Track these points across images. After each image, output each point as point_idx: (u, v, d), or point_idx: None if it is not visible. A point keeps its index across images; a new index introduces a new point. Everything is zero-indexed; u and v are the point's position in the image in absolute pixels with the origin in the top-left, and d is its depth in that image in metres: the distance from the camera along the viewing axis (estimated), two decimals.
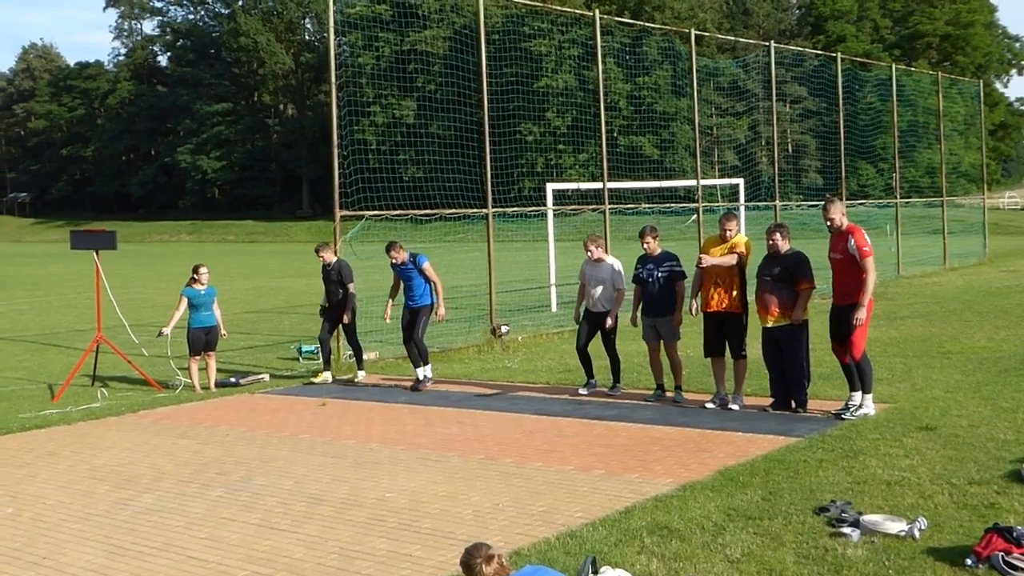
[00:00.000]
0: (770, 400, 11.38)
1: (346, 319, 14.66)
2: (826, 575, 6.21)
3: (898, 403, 11.18)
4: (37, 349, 20.22)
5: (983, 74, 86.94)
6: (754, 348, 11.74)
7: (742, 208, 26.44)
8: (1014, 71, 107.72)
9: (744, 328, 11.67)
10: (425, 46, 67.15)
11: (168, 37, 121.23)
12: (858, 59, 44.12)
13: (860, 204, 36.26)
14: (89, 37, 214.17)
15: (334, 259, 14.89)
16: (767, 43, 27.68)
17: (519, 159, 55.70)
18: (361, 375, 14.77)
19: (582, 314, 13.05)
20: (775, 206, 25.96)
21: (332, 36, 16.34)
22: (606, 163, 21.31)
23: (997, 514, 7.12)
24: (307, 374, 15.45)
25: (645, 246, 12.20)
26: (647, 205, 26.86)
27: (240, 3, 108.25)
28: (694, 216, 23.81)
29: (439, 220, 20.71)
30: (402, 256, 13.87)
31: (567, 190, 27.23)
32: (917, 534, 6.72)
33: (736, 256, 11.44)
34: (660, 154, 61.48)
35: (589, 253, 12.69)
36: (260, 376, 15.37)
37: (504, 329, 17.77)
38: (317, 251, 15.05)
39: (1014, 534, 6.28)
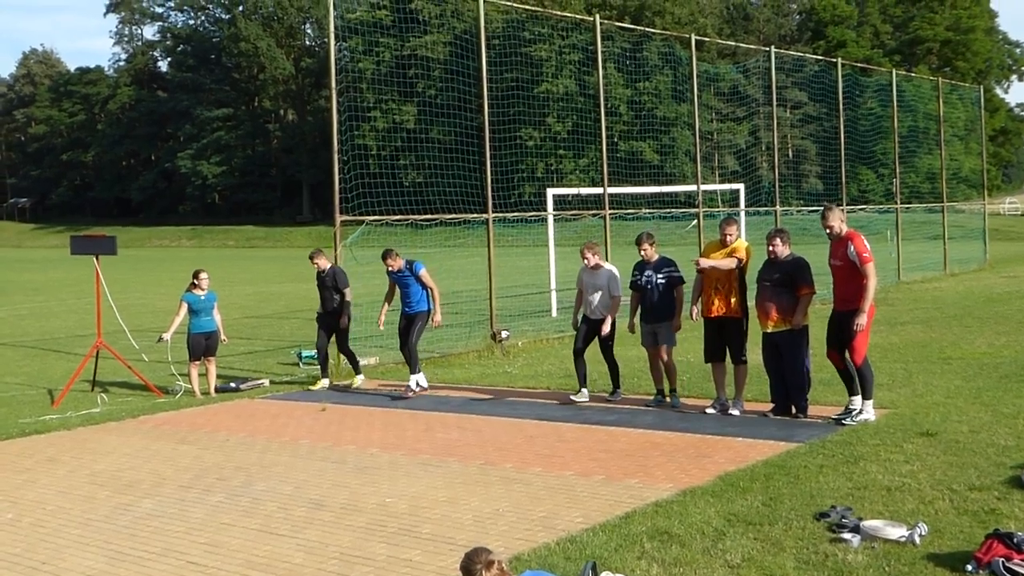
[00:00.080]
0: (770, 405, 11.38)
1: (343, 324, 14.67)
2: None
3: (899, 408, 11.17)
4: (37, 354, 20.22)
5: (983, 79, 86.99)
6: (755, 353, 11.73)
7: (742, 213, 26.45)
8: (1014, 77, 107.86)
9: (744, 333, 11.67)
10: (425, 51, 67.19)
11: (168, 42, 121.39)
12: (858, 64, 44.22)
13: (861, 209, 36.29)
14: (90, 43, 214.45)
15: (328, 266, 14.88)
16: (767, 48, 27.70)
17: (519, 164, 55.70)
18: (359, 379, 14.76)
19: (580, 320, 13.02)
20: (775, 211, 25.96)
21: (332, 41, 16.34)
22: (606, 168, 21.33)
23: (997, 520, 7.11)
24: (307, 379, 15.44)
25: (642, 253, 12.20)
26: (647, 210, 26.86)
27: (240, 8, 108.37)
28: (694, 221, 23.81)
29: (439, 225, 20.73)
30: (398, 263, 13.84)
31: (567, 195, 27.25)
32: (917, 540, 6.71)
33: (735, 260, 11.44)
34: (660, 159, 61.46)
35: (586, 260, 12.68)
36: (260, 381, 15.37)
37: (504, 334, 17.77)
38: (311, 258, 15.03)
39: (1015, 540, 6.27)
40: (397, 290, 14.21)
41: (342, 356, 15.15)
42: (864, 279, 10.47)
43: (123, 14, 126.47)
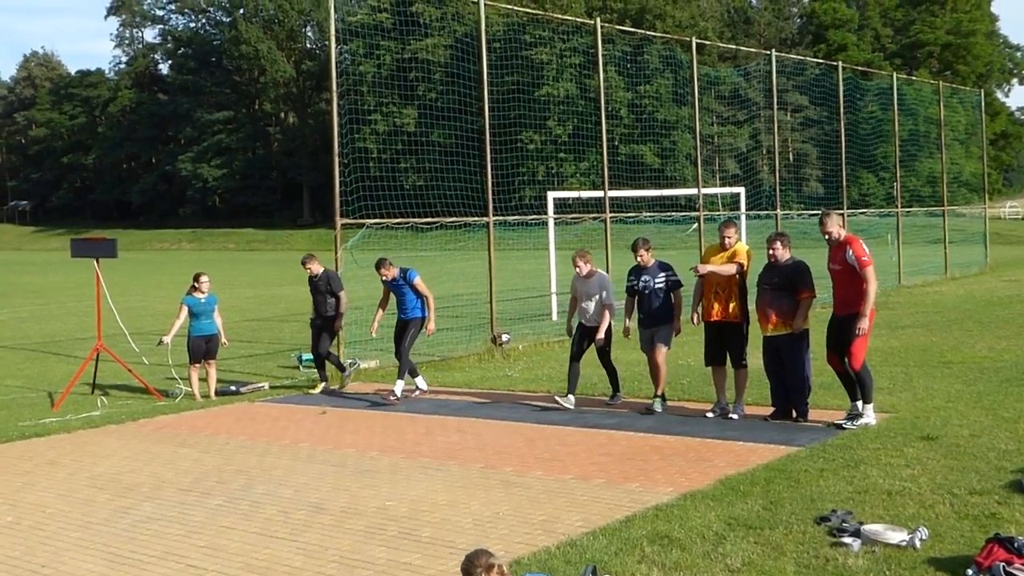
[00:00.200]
0: (771, 409, 11.37)
1: (338, 326, 14.67)
2: None
3: (899, 413, 11.16)
4: (37, 357, 20.22)
5: (984, 83, 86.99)
6: (755, 357, 11.73)
7: (743, 217, 26.46)
8: (1015, 80, 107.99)
9: (745, 337, 11.66)
10: (426, 54, 67.26)
11: (169, 45, 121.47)
12: (859, 68, 44.24)
13: (861, 213, 36.27)
14: (90, 45, 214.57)
15: (321, 270, 14.85)
16: (768, 52, 27.71)
17: (520, 167, 55.72)
18: (345, 377, 14.71)
19: (575, 327, 12.95)
20: (776, 215, 25.97)
21: (333, 44, 16.35)
22: (607, 171, 21.34)
23: (998, 524, 7.11)
24: (307, 383, 15.44)
25: (639, 258, 12.18)
26: (648, 214, 26.90)
27: (241, 11, 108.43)
28: (695, 225, 23.81)
29: (440, 228, 20.72)
30: (392, 272, 13.78)
31: (568, 198, 27.27)
32: (918, 544, 6.71)
33: (735, 266, 11.43)
34: (661, 163, 61.47)
35: (578, 269, 12.60)
36: (260, 384, 15.37)
37: (505, 338, 17.77)
38: (304, 263, 15.00)
39: (1015, 544, 6.26)
40: (392, 297, 14.16)
41: (344, 358, 15.13)
42: (864, 283, 10.47)
43: (124, 17, 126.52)
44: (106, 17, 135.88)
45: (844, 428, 10.48)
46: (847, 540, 6.83)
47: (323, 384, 14.80)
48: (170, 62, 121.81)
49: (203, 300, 14.62)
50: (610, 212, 20.90)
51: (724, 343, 11.65)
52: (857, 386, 10.76)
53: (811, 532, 7.13)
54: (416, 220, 19.51)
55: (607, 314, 12.41)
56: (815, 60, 43.51)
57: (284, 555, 7.23)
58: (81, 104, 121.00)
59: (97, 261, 15.04)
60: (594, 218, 22.55)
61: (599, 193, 21.76)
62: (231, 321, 21.61)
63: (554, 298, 23.45)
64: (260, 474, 9.73)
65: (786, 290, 10.95)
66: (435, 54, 66.76)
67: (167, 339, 14.56)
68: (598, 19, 23.14)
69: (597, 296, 12.45)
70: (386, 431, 11.66)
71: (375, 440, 11.17)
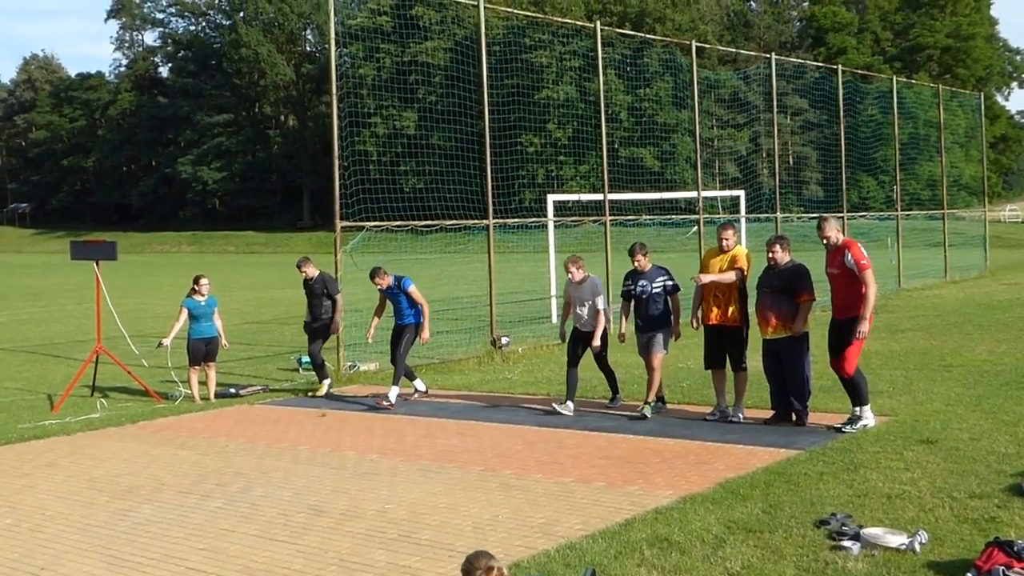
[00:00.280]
0: (770, 413, 11.37)
1: (335, 328, 14.65)
2: None
3: (899, 416, 11.16)
4: (37, 359, 20.21)
5: (984, 87, 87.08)
6: (755, 360, 11.72)
7: (743, 220, 26.47)
8: (1015, 84, 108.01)
9: (744, 341, 11.66)
10: (426, 57, 67.34)
11: (169, 48, 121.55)
12: (859, 71, 44.19)
13: (861, 216, 36.30)
14: (90, 48, 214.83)
15: (316, 273, 14.85)
16: (768, 55, 27.72)
17: (520, 170, 55.76)
18: (326, 384, 14.61)
19: (570, 333, 12.92)
20: (776, 218, 25.98)
21: (333, 47, 16.36)
22: (607, 174, 21.35)
23: (998, 528, 7.10)
24: (307, 385, 15.43)
25: (636, 263, 12.16)
26: (648, 217, 26.89)
27: (241, 14, 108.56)
28: (695, 228, 23.82)
29: (440, 231, 20.71)
30: (387, 281, 13.74)
31: (568, 201, 27.25)
32: (918, 548, 6.70)
33: (736, 272, 11.41)
34: (661, 166, 61.52)
35: (570, 275, 12.60)
36: (259, 387, 15.36)
37: (504, 340, 17.76)
38: (299, 266, 14.99)
39: (1015, 548, 6.26)
40: (388, 304, 14.13)
41: (344, 360, 15.12)
42: (863, 287, 10.48)
43: (124, 20, 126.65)
44: (106, 20, 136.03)
45: (843, 432, 10.48)
46: (847, 544, 6.83)
47: (326, 382, 14.78)
48: (170, 65, 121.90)
49: (203, 303, 14.62)
50: (610, 215, 20.91)
51: (724, 346, 11.65)
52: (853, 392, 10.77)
53: (811, 536, 7.13)
54: (416, 223, 19.51)
55: (601, 319, 12.38)
56: (815, 63, 43.57)
57: (284, 557, 7.23)
58: (81, 107, 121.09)
59: (97, 264, 15.04)
60: (594, 221, 22.56)
61: (599, 196, 21.77)
62: (231, 324, 21.60)
63: (554, 301, 23.45)
64: (259, 476, 9.72)
65: (786, 293, 10.95)
66: (435, 57, 66.84)
67: (166, 341, 14.56)
68: (598, 22, 23.15)
69: (590, 301, 12.44)
70: (386, 434, 11.65)
71: (375, 443, 11.16)
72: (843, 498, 8.06)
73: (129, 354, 16.75)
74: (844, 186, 29.27)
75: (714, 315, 11.58)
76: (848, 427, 10.57)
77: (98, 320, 15.26)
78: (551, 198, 24.02)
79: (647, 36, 38.35)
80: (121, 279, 43.64)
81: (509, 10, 26.03)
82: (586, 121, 51.89)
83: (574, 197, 28.33)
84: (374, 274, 13.73)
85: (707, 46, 53.42)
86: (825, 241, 10.85)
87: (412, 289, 13.69)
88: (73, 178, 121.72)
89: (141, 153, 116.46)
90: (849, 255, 10.55)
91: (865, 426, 10.57)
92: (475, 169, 22.56)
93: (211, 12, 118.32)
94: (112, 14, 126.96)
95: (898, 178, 33.43)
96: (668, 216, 28.10)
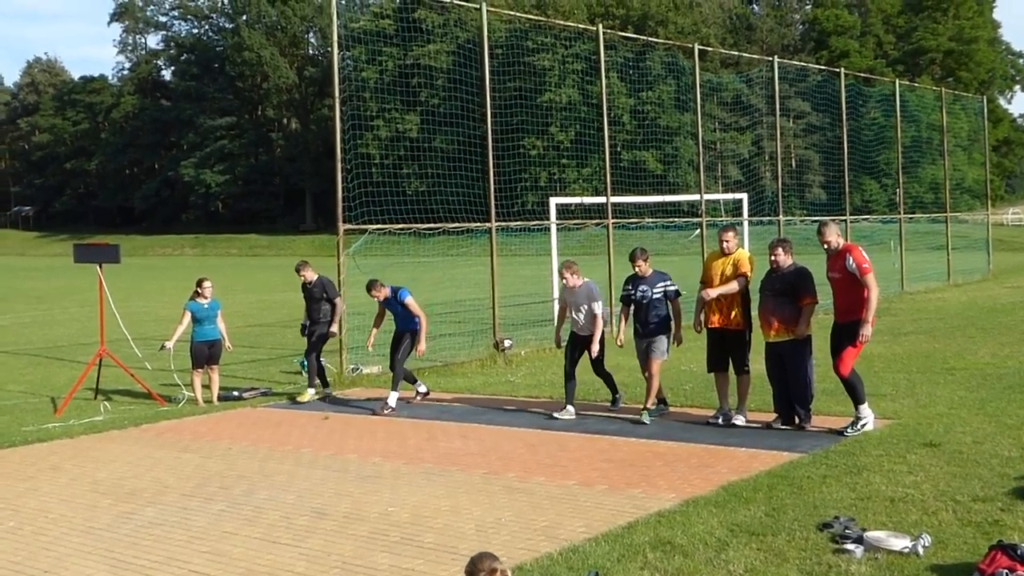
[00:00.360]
0: (773, 416, 11.37)
1: (333, 330, 14.64)
2: None
3: (902, 419, 11.15)
4: (40, 363, 20.23)
5: (986, 90, 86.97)
6: (758, 363, 11.72)
7: (745, 223, 26.44)
8: (1017, 87, 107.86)
9: (747, 344, 11.65)
10: (429, 60, 67.35)
11: (172, 51, 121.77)
12: (861, 74, 44.20)
13: (864, 220, 36.28)
14: (93, 51, 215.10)
15: (315, 277, 14.83)
16: (770, 58, 27.71)
17: (522, 173, 55.73)
18: (310, 392, 14.51)
19: (566, 337, 12.88)
20: (778, 221, 25.97)
21: (336, 50, 16.38)
22: (609, 177, 21.35)
23: (1001, 531, 7.10)
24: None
25: (637, 268, 12.14)
26: (650, 220, 26.90)
27: (244, 18, 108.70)
28: (697, 231, 23.81)
29: (442, 234, 20.72)
30: (384, 293, 13.69)
31: (570, 204, 27.24)
32: (921, 551, 6.70)
33: (740, 280, 11.39)
34: (663, 169, 61.57)
35: (565, 281, 12.58)
36: (262, 390, 15.36)
37: (507, 343, 17.76)
38: (297, 270, 14.98)
39: (1018, 551, 6.25)
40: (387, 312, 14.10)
41: (347, 363, 15.11)
42: (864, 290, 10.48)
43: (127, 23, 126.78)
44: (109, 23, 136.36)
45: (846, 435, 10.47)
46: (850, 547, 6.83)
47: (326, 389, 14.78)
48: (173, 68, 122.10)
49: (206, 305, 14.62)
50: (612, 218, 20.91)
51: (726, 350, 11.64)
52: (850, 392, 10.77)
53: (814, 539, 7.13)
54: (419, 226, 19.52)
55: (599, 324, 12.35)
56: (817, 67, 43.56)
57: (286, 561, 7.23)
58: (84, 110, 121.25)
59: (100, 266, 15.05)
60: (596, 224, 22.56)
61: (601, 199, 21.78)
62: (233, 326, 21.61)
63: (556, 304, 23.41)
64: (262, 479, 9.73)
65: (788, 296, 10.95)
66: (437, 60, 66.86)
67: (169, 344, 14.55)
68: (600, 25, 23.16)
69: (586, 306, 12.41)
70: (388, 437, 11.66)
71: (377, 446, 11.16)
72: (846, 501, 8.05)
73: (132, 357, 16.76)
74: (847, 189, 29.25)
75: (717, 319, 11.58)
76: (849, 430, 10.57)
77: (101, 323, 15.27)
78: (553, 201, 24.02)
79: (650, 39, 38.37)
80: (124, 282, 43.66)
81: (512, 13, 26.06)
82: (588, 124, 51.87)
83: (577, 200, 28.29)
84: (371, 287, 13.69)
85: (710, 49, 53.46)
86: (826, 246, 10.85)
87: (408, 301, 13.61)
88: (76, 181, 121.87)
89: (144, 156, 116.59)
90: (850, 259, 10.55)
91: (864, 425, 10.57)
92: (477, 172, 22.57)
93: (214, 15, 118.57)
94: (115, 17, 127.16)
95: (901, 181, 33.42)
96: (671, 219, 28.08)
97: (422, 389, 14.14)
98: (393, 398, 13.41)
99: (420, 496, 8.84)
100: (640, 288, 12.04)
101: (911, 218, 37.20)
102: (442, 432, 11.81)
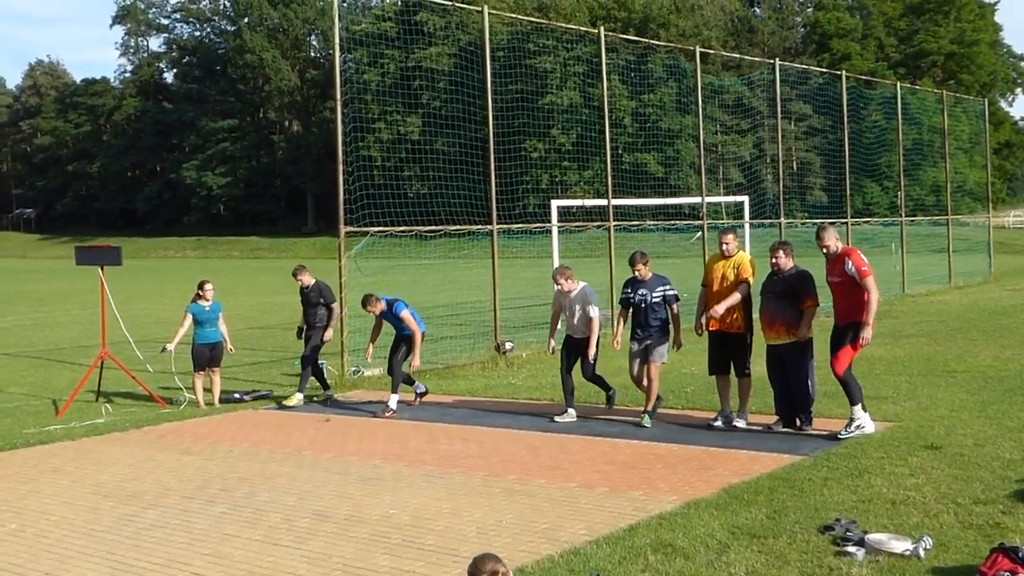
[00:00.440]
0: (774, 418, 11.37)
1: (328, 336, 14.59)
2: None
3: (903, 421, 11.15)
4: (42, 365, 20.24)
5: (988, 93, 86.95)
6: (759, 365, 11.72)
7: (747, 226, 26.44)
8: (1019, 90, 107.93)
9: (748, 347, 11.65)
10: (430, 63, 67.40)
11: (174, 54, 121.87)
12: (863, 77, 44.24)
13: (865, 222, 36.28)
14: (95, 54, 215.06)
15: (312, 281, 14.79)
16: (772, 61, 27.71)
17: (524, 176, 55.79)
18: (298, 397, 14.41)
19: (561, 340, 12.86)
20: (780, 223, 25.97)
21: (337, 53, 16.38)
22: (611, 180, 21.36)
23: (1003, 534, 7.10)
24: (311, 392, 15.41)
25: (636, 272, 12.12)
26: (652, 222, 26.89)
27: (246, 20, 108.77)
28: (699, 233, 23.81)
29: (444, 236, 20.75)
30: (379, 307, 13.64)
31: (572, 207, 27.26)
32: (922, 553, 6.70)
33: (742, 288, 11.37)
34: (665, 171, 61.53)
35: (560, 286, 12.55)
36: (264, 392, 15.37)
37: (508, 346, 17.77)
38: (295, 275, 14.95)
39: (1020, 554, 6.25)
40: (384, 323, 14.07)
41: (348, 365, 15.10)
42: (864, 293, 10.48)
43: (129, 26, 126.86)
44: (111, 26, 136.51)
45: (840, 436, 10.46)
46: (851, 549, 6.83)
47: (327, 392, 14.78)
48: (175, 71, 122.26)
49: (207, 308, 14.63)
50: (614, 220, 20.91)
51: (728, 352, 11.64)
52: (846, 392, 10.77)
53: (815, 541, 7.13)
54: (420, 228, 19.52)
55: (596, 328, 12.33)
56: (819, 69, 43.54)
57: (288, 563, 7.24)
58: (86, 112, 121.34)
59: (102, 269, 15.06)
60: (598, 226, 22.56)
61: (603, 201, 21.78)
62: (235, 329, 21.63)
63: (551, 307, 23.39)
64: (264, 482, 9.73)
65: (789, 299, 10.95)
66: (439, 63, 66.89)
67: (171, 347, 14.55)
68: (602, 28, 23.17)
69: (580, 309, 12.39)
70: (389, 439, 11.66)
71: (378, 448, 11.17)
72: (847, 504, 8.05)
73: (134, 359, 16.77)
74: (848, 192, 29.27)
75: (718, 322, 11.57)
76: (843, 432, 10.57)
77: (103, 325, 15.28)
78: (555, 203, 24.01)
79: (651, 42, 38.46)
80: (126, 284, 43.68)
81: (513, 16, 26.04)
82: (590, 126, 51.91)
83: (578, 202, 28.32)
84: (365, 302, 13.64)
85: (711, 52, 53.39)
86: (825, 250, 10.86)
87: (404, 314, 13.55)
88: (78, 183, 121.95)
89: (146, 158, 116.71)
90: (850, 262, 10.56)
91: (860, 426, 10.57)
92: (479, 174, 22.56)
93: (216, 18, 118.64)
94: (117, 20, 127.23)
95: (902, 184, 33.43)
96: (672, 222, 28.08)
97: (420, 389, 14.14)
98: (393, 400, 13.41)
99: (421, 498, 8.84)
100: (639, 292, 12.02)
101: (912, 221, 37.20)
102: (443, 434, 11.81)
